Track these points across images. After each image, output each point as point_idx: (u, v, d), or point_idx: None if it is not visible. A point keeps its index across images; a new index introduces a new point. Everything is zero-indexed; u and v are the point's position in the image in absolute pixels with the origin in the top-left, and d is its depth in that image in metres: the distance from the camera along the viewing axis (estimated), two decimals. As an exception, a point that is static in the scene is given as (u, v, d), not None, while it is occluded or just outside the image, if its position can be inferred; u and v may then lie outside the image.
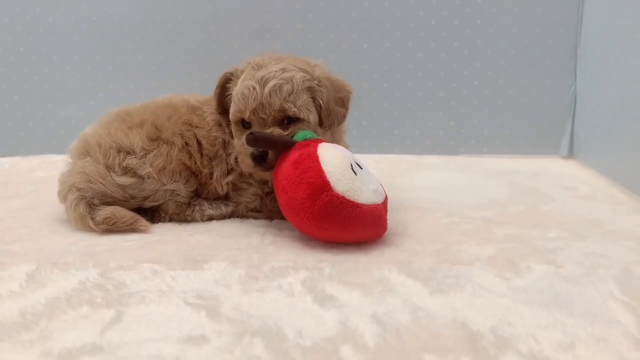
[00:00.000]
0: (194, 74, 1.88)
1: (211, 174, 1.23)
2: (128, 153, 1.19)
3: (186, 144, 1.22)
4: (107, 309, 0.81)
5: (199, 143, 1.23)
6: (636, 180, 1.40)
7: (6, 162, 1.88)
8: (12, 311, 0.80)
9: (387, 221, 1.07)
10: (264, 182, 1.21)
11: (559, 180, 1.59)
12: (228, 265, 0.95)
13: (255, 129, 1.13)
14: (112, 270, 0.94)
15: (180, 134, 1.22)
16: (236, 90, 1.15)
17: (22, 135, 1.95)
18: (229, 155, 1.22)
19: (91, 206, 1.17)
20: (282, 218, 1.17)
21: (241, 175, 1.22)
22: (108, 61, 1.90)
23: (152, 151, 1.19)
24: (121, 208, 1.18)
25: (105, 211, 1.16)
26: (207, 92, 1.40)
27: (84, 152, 1.21)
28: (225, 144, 1.23)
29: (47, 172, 1.76)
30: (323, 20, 1.82)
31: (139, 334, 0.74)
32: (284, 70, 1.13)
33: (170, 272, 0.93)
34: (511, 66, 1.82)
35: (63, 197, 1.21)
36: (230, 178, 1.23)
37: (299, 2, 1.81)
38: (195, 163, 1.22)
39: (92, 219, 1.15)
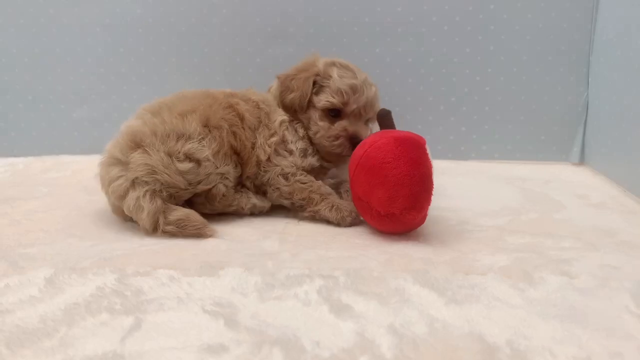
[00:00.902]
0: (206, 77, 1.89)
1: (253, 144, 1.31)
2: (187, 139, 1.21)
3: (230, 125, 1.28)
4: (126, 316, 0.81)
5: (240, 119, 1.31)
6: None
7: (20, 162, 1.90)
8: (32, 317, 0.80)
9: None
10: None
11: (570, 187, 1.59)
12: (244, 271, 0.96)
13: (348, 121, 1.34)
14: (129, 276, 0.94)
15: (224, 118, 1.28)
16: (339, 84, 1.32)
17: (36, 135, 1.96)
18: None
19: (165, 203, 1.17)
20: (300, 202, 1.29)
21: (283, 141, 1.34)
22: (121, 63, 1.91)
23: (207, 135, 1.23)
24: (195, 212, 1.19)
25: (180, 212, 1.16)
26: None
27: (133, 145, 1.19)
28: (269, 115, 1.36)
29: (60, 173, 1.77)
30: (335, 25, 1.82)
31: (159, 342, 0.74)
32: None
33: (187, 278, 0.94)
34: (523, 72, 1.82)
35: (123, 192, 1.17)
36: (274, 140, 1.33)
37: (312, 6, 1.81)
38: (240, 141, 1.29)
39: (165, 217, 1.15)
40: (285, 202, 1.32)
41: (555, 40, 1.79)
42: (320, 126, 1.34)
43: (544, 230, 1.20)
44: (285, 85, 1.37)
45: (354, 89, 1.32)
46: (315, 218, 1.27)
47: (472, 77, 1.84)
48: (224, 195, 1.26)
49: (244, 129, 1.31)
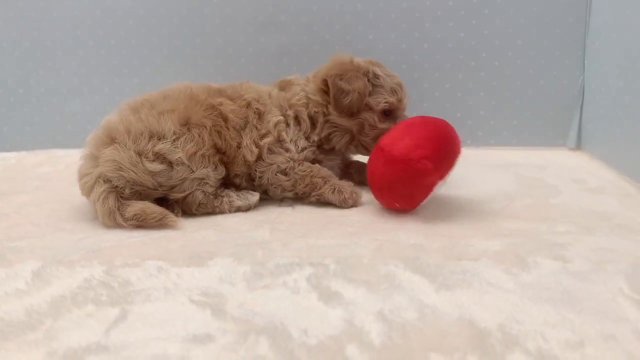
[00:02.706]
0: (199, 68, 1.87)
1: (238, 144, 1.27)
2: (160, 138, 1.18)
3: (213, 124, 1.24)
4: (112, 307, 0.81)
5: (224, 120, 1.27)
6: (645, 172, 1.39)
7: (12, 156, 1.89)
8: (18, 310, 0.80)
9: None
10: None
11: (567, 172, 1.57)
12: (233, 261, 0.95)
13: (397, 117, 1.35)
14: (117, 268, 0.94)
15: (206, 117, 1.24)
16: (390, 83, 1.33)
17: (28, 130, 1.95)
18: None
19: (120, 200, 1.15)
20: (303, 190, 1.29)
21: (278, 140, 1.30)
22: (113, 55, 1.89)
23: (183, 135, 1.19)
24: (150, 203, 1.16)
25: (135, 207, 1.14)
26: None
27: (108, 140, 1.18)
28: (261, 115, 1.32)
29: (53, 167, 1.76)
30: (328, 12, 1.80)
31: (144, 333, 0.73)
32: None
33: (175, 269, 0.93)
34: (518, 57, 1.80)
35: (88, 189, 1.18)
36: (267, 140, 1.29)
37: (304, -6, 1.79)
38: (225, 140, 1.25)
39: (122, 214, 1.13)
40: (290, 195, 1.31)
41: (550, 24, 1.77)
42: (381, 129, 1.31)
43: (539, 215, 1.19)
44: (337, 87, 1.30)
45: (402, 87, 1.35)
46: (320, 201, 1.28)
47: (466, 62, 1.82)
48: (201, 204, 1.22)
49: (228, 129, 1.26)
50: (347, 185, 1.29)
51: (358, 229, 1.12)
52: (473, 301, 0.80)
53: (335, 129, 1.35)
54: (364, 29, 1.81)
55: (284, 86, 1.40)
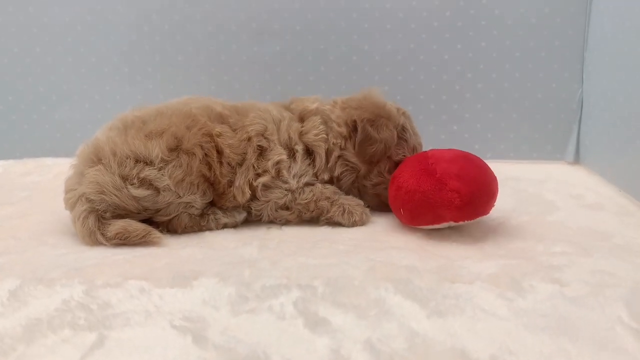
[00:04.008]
0: (191, 76, 1.84)
1: (230, 182, 1.20)
2: (146, 164, 1.13)
3: (206, 155, 1.18)
4: (89, 332, 0.77)
5: (218, 152, 1.19)
6: (644, 189, 1.36)
7: (0, 165, 1.85)
8: (-10, 334, 0.76)
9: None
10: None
11: (565, 187, 1.54)
12: (218, 282, 0.91)
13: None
14: (99, 288, 0.90)
15: (200, 145, 1.17)
16: (414, 141, 1.33)
17: (17, 137, 1.91)
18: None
19: (101, 220, 1.12)
20: (310, 216, 1.24)
21: (278, 175, 1.22)
22: (103, 62, 1.86)
23: (171, 162, 1.14)
24: (132, 221, 1.13)
25: (116, 225, 1.10)
26: (205, 93, 1.37)
27: (95, 159, 1.15)
28: (263, 152, 1.23)
29: (41, 176, 1.73)
30: (323, 21, 1.77)
31: (120, 362, 0.70)
32: None
33: (158, 289, 0.89)
34: (516, 69, 1.77)
35: (71, 205, 1.15)
36: (263, 179, 1.21)
37: (298, 2, 1.76)
38: (214, 174, 1.18)
39: (103, 234, 1.10)
40: (298, 221, 1.25)
41: (548, 36, 1.74)
42: (387, 179, 1.27)
43: (535, 234, 1.16)
44: (366, 133, 1.25)
45: (421, 148, 1.35)
46: (330, 223, 1.24)
47: (463, 74, 1.79)
48: (186, 226, 1.18)
49: (220, 164, 1.19)
50: (356, 206, 1.24)
51: (350, 248, 1.09)
52: (466, 329, 0.77)
53: (346, 167, 1.29)
54: (360, 39, 1.78)
55: (303, 116, 1.30)
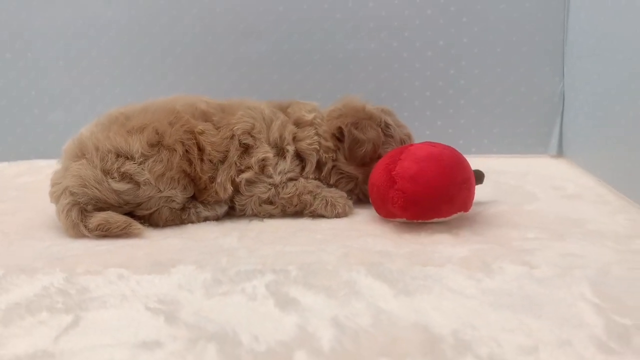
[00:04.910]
0: (180, 77, 1.87)
1: (212, 178, 1.22)
2: (127, 158, 1.16)
3: (187, 151, 1.20)
4: (66, 314, 0.79)
5: (200, 149, 1.21)
6: (623, 179, 1.38)
7: (-7, 168, 1.88)
8: (-30, 318, 0.79)
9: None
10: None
11: (547, 180, 1.56)
12: (195, 269, 0.94)
13: None
14: (79, 275, 0.92)
15: (181, 141, 1.19)
16: (400, 134, 1.36)
17: (10, 140, 1.94)
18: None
19: (84, 213, 1.14)
20: (294, 210, 1.25)
21: (262, 171, 1.24)
22: (94, 65, 1.89)
23: (151, 157, 1.16)
24: (114, 213, 1.15)
25: (97, 217, 1.13)
26: (194, 93, 1.38)
27: (79, 154, 1.18)
28: (247, 150, 1.24)
29: (33, 177, 1.75)
30: (307, 21, 1.80)
31: (93, 340, 0.72)
32: None
33: (136, 276, 0.92)
34: (498, 64, 1.80)
35: (55, 198, 1.18)
36: (246, 175, 1.23)
37: (283, 3, 1.79)
38: (195, 170, 1.20)
39: (85, 226, 1.13)
40: (282, 215, 1.27)
41: (529, 31, 1.77)
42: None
43: (511, 222, 1.18)
44: (353, 136, 1.27)
45: (410, 138, 1.37)
46: (314, 216, 1.25)
47: (446, 70, 1.81)
48: (167, 220, 1.20)
49: (201, 161, 1.21)
50: (339, 198, 1.26)
51: (328, 236, 1.11)
52: (431, 307, 0.79)
53: (342, 176, 1.32)
54: (344, 38, 1.81)
55: (298, 124, 1.32)
